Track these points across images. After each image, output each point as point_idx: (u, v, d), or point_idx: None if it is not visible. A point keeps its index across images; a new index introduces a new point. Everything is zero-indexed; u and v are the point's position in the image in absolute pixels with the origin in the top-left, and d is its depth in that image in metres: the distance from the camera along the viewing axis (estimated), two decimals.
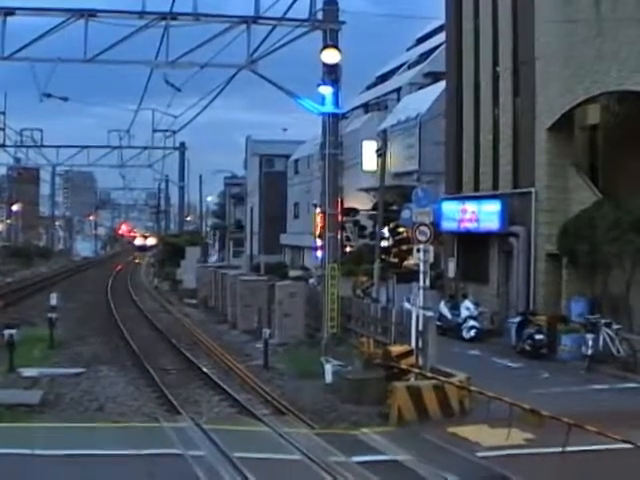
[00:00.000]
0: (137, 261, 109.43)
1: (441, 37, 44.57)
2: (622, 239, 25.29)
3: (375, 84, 65.16)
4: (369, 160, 50.45)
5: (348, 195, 46.88)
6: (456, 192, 36.33)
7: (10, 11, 26.28)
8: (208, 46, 27.28)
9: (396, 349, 21.27)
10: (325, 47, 26.31)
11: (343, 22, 26.92)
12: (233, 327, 35.51)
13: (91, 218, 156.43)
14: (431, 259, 21.70)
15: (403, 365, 20.19)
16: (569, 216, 28.55)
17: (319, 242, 33.77)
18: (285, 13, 27.04)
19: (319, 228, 33.28)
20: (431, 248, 21.56)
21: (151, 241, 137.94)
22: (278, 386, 22.40)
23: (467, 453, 14.77)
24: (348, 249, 47.28)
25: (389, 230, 44.77)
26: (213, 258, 69.68)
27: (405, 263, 41.75)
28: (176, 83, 32.60)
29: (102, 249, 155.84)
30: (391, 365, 20.38)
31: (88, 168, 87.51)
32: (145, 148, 64.39)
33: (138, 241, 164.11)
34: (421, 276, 21.07)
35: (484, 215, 32.94)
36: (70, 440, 15.32)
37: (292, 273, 52.84)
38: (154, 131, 59.86)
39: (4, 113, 76.11)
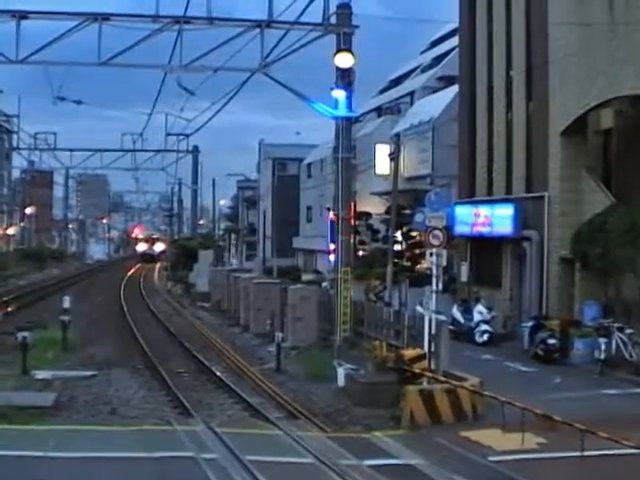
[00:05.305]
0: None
1: (455, 41, 44.54)
2: (635, 243, 25.26)
3: (388, 88, 65.14)
4: (382, 164, 50.37)
5: (361, 199, 46.88)
6: (469, 196, 36.30)
7: (24, 15, 26.41)
8: (222, 50, 27.42)
9: (409, 353, 21.24)
10: (338, 51, 26.34)
11: (356, 26, 26.94)
12: (246, 330, 35.51)
13: (104, 221, 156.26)
14: (444, 263, 21.68)
15: (416, 369, 20.17)
16: (582, 220, 28.48)
17: (332, 246, 33.73)
18: (298, 17, 27.15)
19: None
20: (444, 252, 21.53)
21: (160, 247, 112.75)
22: (290, 389, 22.39)
23: (480, 457, 14.76)
24: (361, 253, 47.25)
25: (402, 234, 44.71)
26: (228, 265, 68.25)
27: (418, 267, 41.72)
28: (189, 87, 32.79)
29: (115, 252, 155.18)
30: (404, 369, 20.36)
31: (101, 171, 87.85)
32: (158, 151, 64.66)
33: (141, 247, 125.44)
34: (434, 280, 21.05)
35: (497, 219, 32.90)
36: (83, 442, 15.38)
37: (305, 277, 52.82)
38: (167, 134, 60.15)
39: (18, 116, 76.90)
